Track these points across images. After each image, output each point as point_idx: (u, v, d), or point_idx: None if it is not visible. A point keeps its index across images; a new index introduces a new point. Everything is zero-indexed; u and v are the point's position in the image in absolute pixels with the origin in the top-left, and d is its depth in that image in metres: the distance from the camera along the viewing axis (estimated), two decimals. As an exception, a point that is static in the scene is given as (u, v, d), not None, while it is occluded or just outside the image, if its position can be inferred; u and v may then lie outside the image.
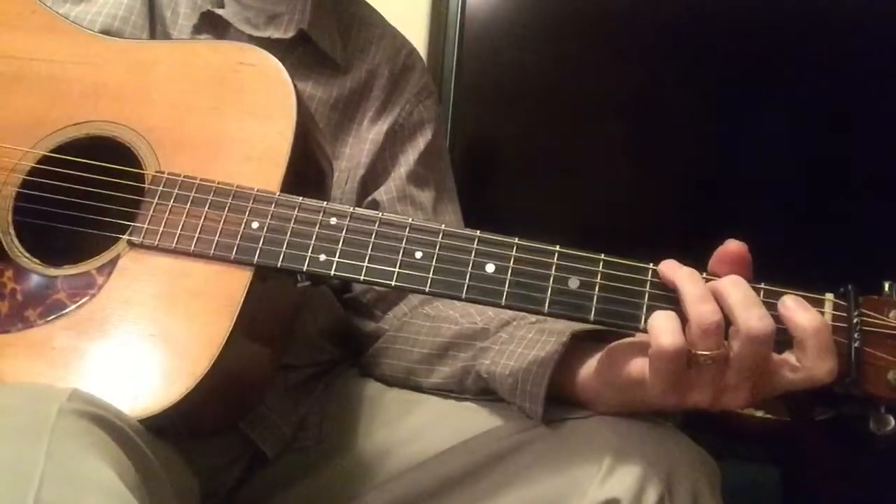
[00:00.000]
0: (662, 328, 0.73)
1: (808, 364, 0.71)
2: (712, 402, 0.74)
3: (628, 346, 0.80)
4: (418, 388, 1.01)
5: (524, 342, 0.89)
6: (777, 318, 0.72)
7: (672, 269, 0.75)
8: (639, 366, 0.77)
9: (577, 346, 0.85)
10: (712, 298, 0.72)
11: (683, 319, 0.73)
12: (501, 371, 0.89)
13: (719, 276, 0.75)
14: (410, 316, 1.06)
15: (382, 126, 1.12)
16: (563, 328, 0.86)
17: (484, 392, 0.94)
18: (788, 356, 0.72)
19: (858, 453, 1.46)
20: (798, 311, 0.72)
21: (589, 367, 0.84)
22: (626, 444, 0.81)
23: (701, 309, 0.72)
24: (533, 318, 0.93)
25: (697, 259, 0.77)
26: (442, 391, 0.99)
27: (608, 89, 1.79)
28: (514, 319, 0.95)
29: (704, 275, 0.75)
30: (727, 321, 0.72)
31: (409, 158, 1.13)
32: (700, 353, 0.71)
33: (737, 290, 0.72)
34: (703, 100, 1.76)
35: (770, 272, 0.75)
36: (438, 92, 1.30)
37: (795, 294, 0.74)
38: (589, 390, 0.85)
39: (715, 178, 1.79)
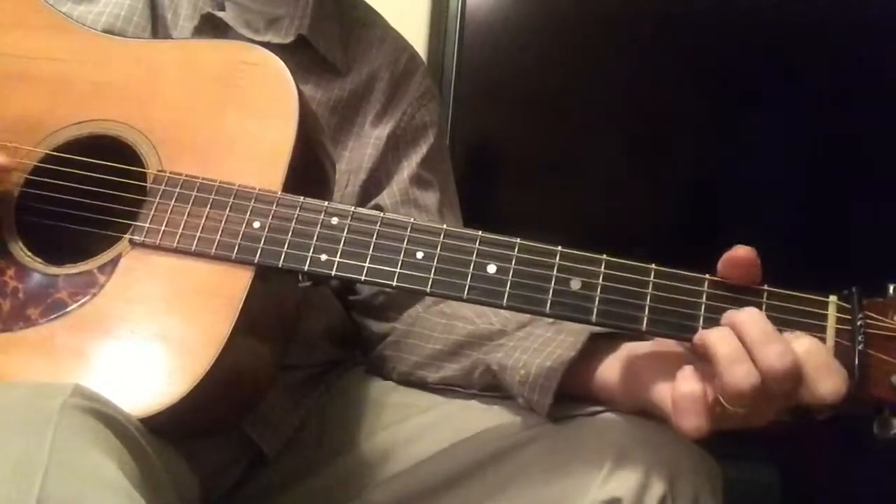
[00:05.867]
0: (687, 409, 0.71)
1: (812, 385, 0.69)
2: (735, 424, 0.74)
3: (654, 363, 0.79)
4: (423, 383, 1.01)
5: (540, 339, 0.89)
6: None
7: (704, 334, 0.72)
8: (661, 393, 0.76)
9: (595, 346, 0.84)
10: (748, 358, 0.69)
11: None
12: (514, 364, 0.88)
13: (729, 280, 0.74)
14: (425, 312, 1.05)
15: (384, 130, 1.12)
16: (581, 328, 0.84)
17: (490, 388, 0.94)
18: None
19: (858, 453, 1.46)
20: (793, 340, 0.70)
21: (608, 371, 0.84)
22: (629, 445, 0.81)
23: (736, 371, 0.69)
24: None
25: (698, 259, 0.77)
26: (447, 386, 0.99)
27: (608, 89, 1.79)
28: (533, 321, 0.93)
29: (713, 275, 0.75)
30: None
31: (411, 162, 1.12)
32: (730, 408, 0.70)
33: (754, 327, 0.70)
34: (703, 100, 1.76)
35: (773, 273, 0.75)
36: (438, 92, 1.30)
37: (799, 295, 0.73)
38: (608, 392, 0.84)
39: (716, 178, 1.80)
